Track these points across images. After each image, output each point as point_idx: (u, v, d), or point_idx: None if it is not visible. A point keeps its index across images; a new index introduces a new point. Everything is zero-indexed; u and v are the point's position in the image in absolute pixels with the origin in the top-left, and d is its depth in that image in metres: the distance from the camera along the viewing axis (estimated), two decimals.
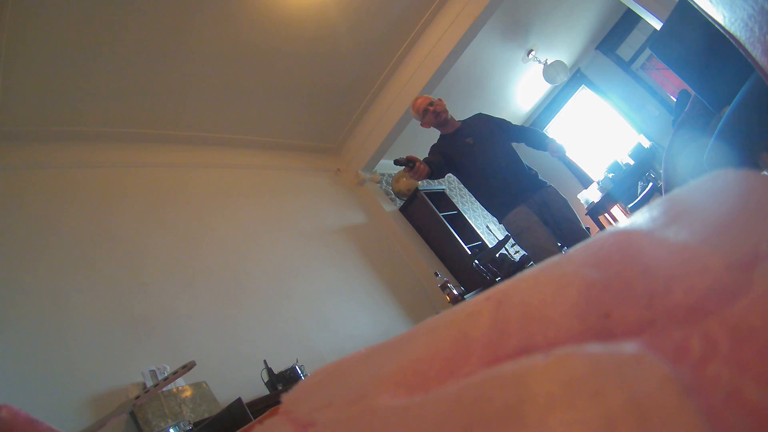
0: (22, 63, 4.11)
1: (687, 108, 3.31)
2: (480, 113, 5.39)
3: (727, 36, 1.31)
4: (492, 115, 5.39)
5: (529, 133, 5.42)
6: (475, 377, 0.41)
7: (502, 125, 5.28)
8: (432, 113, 5.02)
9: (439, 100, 5.14)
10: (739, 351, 0.30)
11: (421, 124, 5.18)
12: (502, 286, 0.51)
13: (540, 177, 5.18)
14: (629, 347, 0.34)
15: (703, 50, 2.84)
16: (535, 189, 4.95)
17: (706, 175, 0.50)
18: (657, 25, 5.68)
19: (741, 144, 2.44)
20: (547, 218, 4.84)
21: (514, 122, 10.47)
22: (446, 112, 5.07)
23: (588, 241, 0.49)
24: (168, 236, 4.92)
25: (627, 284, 0.39)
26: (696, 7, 1.38)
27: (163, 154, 5.64)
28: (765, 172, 2.25)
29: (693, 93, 3.24)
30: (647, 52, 8.84)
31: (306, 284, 5.53)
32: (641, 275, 0.39)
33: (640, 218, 0.48)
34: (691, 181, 0.50)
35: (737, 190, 0.46)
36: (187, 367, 2.17)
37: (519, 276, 0.51)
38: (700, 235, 0.40)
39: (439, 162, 4.82)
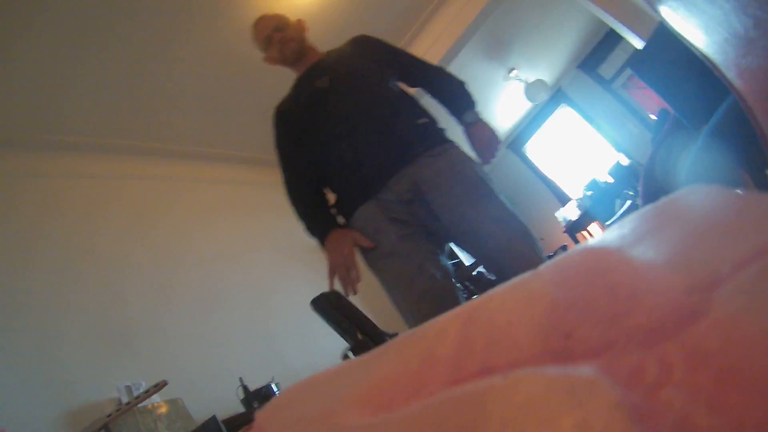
0: (8, 71, 4.12)
1: (666, 126, 3.34)
2: (359, 36, 3.36)
3: (704, 59, 1.32)
4: (382, 39, 3.40)
5: (434, 76, 3.31)
6: (436, 397, 0.41)
7: (386, 54, 3.28)
8: (277, 44, 3.10)
9: (298, 21, 3.27)
10: (693, 376, 0.30)
11: (264, 59, 3.28)
12: (472, 304, 0.51)
13: (437, 134, 2.97)
14: (584, 371, 0.34)
15: (681, 71, 2.87)
16: (406, 161, 2.77)
17: (677, 192, 0.50)
18: (638, 44, 5.74)
19: (719, 162, 2.47)
20: (423, 216, 2.76)
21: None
22: (295, 41, 3.14)
23: (558, 258, 0.49)
24: (148, 251, 4.92)
25: (591, 304, 0.39)
26: (673, 31, 1.39)
27: (147, 166, 5.64)
28: (740, 191, 2.27)
29: (672, 112, 3.27)
30: (628, 71, 8.91)
31: (283, 301, 5.53)
32: (605, 295, 0.39)
33: (610, 236, 0.48)
34: (663, 198, 0.51)
35: (706, 208, 0.46)
36: (159, 386, 2.15)
37: (489, 293, 0.51)
38: (666, 254, 0.40)
39: (296, 170, 3.06)
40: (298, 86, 3.13)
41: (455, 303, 2.56)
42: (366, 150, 2.79)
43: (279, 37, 3.09)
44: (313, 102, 2.95)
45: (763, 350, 0.29)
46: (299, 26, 3.23)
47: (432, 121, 2.99)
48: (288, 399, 0.68)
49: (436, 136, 2.91)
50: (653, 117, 7.58)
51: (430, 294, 2.57)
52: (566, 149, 10.41)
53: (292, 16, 3.16)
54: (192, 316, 4.72)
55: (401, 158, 2.76)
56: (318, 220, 2.93)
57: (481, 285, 6.01)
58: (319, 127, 2.92)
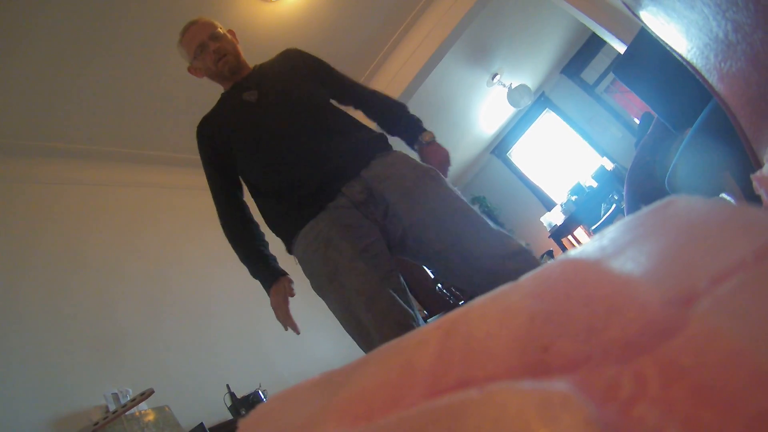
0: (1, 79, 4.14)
1: (650, 130, 3.35)
2: (290, 49, 3.09)
3: (685, 63, 1.33)
4: (313, 55, 3.10)
5: (376, 103, 3.05)
6: (414, 409, 0.41)
7: (318, 69, 3.00)
8: (213, 54, 2.81)
9: (230, 31, 3.00)
10: (668, 392, 0.30)
11: (188, 69, 3.02)
12: (453, 315, 0.51)
13: (386, 142, 2.81)
14: (559, 386, 0.34)
15: (664, 74, 2.88)
16: (356, 170, 2.56)
17: (658, 202, 0.50)
18: (621, 48, 5.75)
19: (703, 164, 2.48)
20: (378, 216, 2.51)
21: (476, 144, 10.26)
22: (232, 55, 2.87)
23: (539, 269, 0.49)
24: (137, 258, 4.92)
25: (568, 317, 0.39)
26: (654, 36, 1.40)
27: (137, 173, 5.63)
28: (724, 194, 2.29)
29: (655, 115, 3.28)
30: (611, 75, 8.94)
31: (269, 308, 5.52)
32: (583, 308, 0.39)
33: (591, 247, 0.48)
34: (644, 208, 0.51)
35: (686, 219, 0.46)
36: (145, 395, 2.13)
37: (470, 304, 0.51)
38: (644, 267, 0.40)
39: (220, 187, 2.88)
40: (224, 101, 2.89)
41: (415, 326, 2.31)
42: (313, 164, 2.54)
43: (215, 48, 2.81)
44: (240, 118, 2.73)
45: (737, 368, 0.29)
46: (233, 37, 2.97)
47: (381, 133, 2.82)
48: (270, 409, 0.68)
49: (387, 144, 2.75)
50: (637, 121, 7.62)
51: (392, 315, 2.30)
52: (551, 154, 10.43)
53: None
54: (180, 323, 4.72)
55: (356, 164, 2.55)
56: (261, 271, 2.85)
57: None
58: (248, 143, 2.69)
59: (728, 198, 2.29)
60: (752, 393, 0.28)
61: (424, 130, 2.87)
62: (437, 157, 2.76)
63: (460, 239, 2.35)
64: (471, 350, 0.43)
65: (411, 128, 2.90)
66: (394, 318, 2.28)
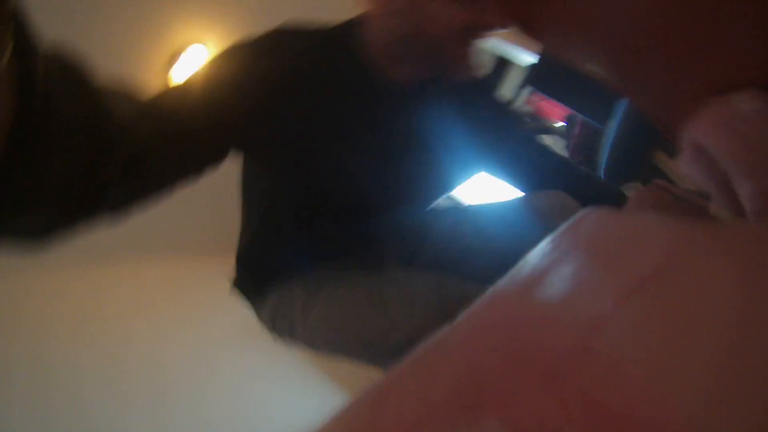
0: None
1: (577, 131, 3.40)
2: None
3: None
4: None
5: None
6: None
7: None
8: None
9: None
10: (587, 425, 0.32)
11: None
12: (398, 369, 0.50)
13: None
14: (488, 423, 0.35)
15: (577, 75, 2.93)
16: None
17: (571, 219, 0.52)
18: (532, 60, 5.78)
19: (633, 149, 2.53)
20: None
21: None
22: None
23: (472, 305, 0.50)
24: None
25: (498, 353, 0.40)
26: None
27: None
28: (656, 180, 2.33)
29: (579, 115, 3.33)
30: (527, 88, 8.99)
31: (205, 374, 5.38)
32: (511, 341, 0.40)
33: (514, 277, 0.49)
34: (563, 226, 0.52)
35: (595, 238, 0.48)
36: None
37: (415, 351, 0.51)
38: (561, 294, 0.42)
39: None
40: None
41: None
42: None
43: None
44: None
45: (643, 396, 0.31)
46: None
47: None
48: None
49: None
50: (562, 124, 7.72)
51: None
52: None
53: None
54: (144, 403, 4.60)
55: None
56: None
57: None
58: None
59: (669, 173, 2.33)
60: (653, 426, 0.29)
61: None
62: None
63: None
64: (419, 394, 0.43)
65: None
66: None
